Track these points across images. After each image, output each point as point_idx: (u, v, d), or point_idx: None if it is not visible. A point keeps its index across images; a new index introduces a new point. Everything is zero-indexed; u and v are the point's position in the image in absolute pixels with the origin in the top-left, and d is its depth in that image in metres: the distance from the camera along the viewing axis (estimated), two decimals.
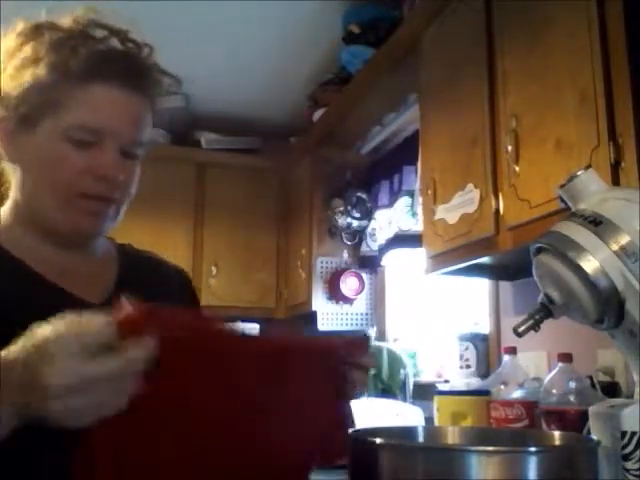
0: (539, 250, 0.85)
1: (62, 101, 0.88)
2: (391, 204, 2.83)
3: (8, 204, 0.97)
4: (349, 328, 3.25)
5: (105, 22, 0.95)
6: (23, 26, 0.94)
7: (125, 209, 0.99)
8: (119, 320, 0.66)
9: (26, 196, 0.94)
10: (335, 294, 3.19)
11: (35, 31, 0.93)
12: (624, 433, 0.78)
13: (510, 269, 2.00)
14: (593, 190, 0.86)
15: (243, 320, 3.33)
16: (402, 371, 2.70)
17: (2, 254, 0.91)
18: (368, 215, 3.09)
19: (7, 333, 0.71)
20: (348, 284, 3.20)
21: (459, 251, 1.83)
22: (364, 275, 3.25)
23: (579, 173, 0.87)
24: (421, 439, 0.85)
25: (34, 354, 0.64)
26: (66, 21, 0.94)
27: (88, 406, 0.63)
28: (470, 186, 1.76)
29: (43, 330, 0.66)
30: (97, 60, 0.90)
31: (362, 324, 3.25)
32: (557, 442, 0.81)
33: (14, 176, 0.95)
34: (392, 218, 2.79)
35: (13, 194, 0.96)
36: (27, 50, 0.90)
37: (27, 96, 0.89)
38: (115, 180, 0.91)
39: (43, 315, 0.80)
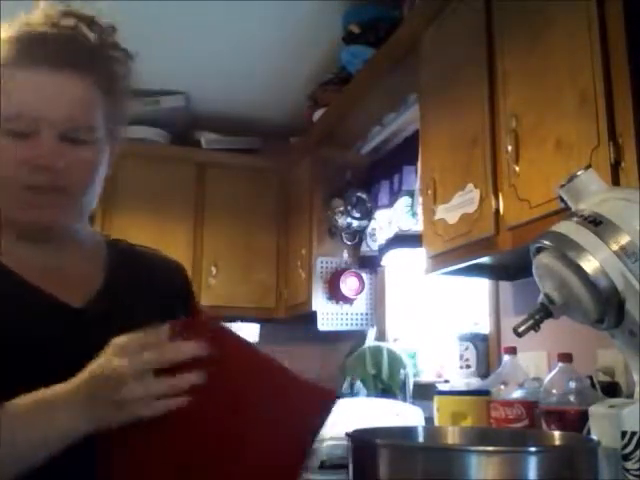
0: (539, 250, 0.85)
1: None
2: (391, 204, 2.83)
3: None
4: (349, 328, 3.25)
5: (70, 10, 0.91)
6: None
7: (89, 197, 0.94)
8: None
9: None
10: (335, 294, 3.19)
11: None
12: (624, 433, 0.78)
13: (510, 269, 2.00)
14: (593, 190, 0.86)
15: (243, 320, 3.34)
16: (402, 371, 2.70)
17: None
18: (368, 215, 3.09)
19: None
20: (348, 284, 3.20)
21: (459, 251, 1.83)
22: (364, 275, 3.25)
23: (579, 173, 0.87)
24: (421, 439, 0.85)
25: (102, 359, 0.72)
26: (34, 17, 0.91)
27: (150, 393, 0.70)
28: (470, 186, 1.76)
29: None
30: (24, 46, 0.86)
31: (362, 324, 3.25)
32: (557, 442, 0.81)
33: None
34: (392, 218, 2.79)
35: None
36: None
37: None
38: (54, 168, 0.86)
39: (22, 318, 0.82)
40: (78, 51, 0.88)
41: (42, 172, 0.86)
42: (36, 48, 0.86)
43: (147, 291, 0.97)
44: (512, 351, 1.74)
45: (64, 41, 0.88)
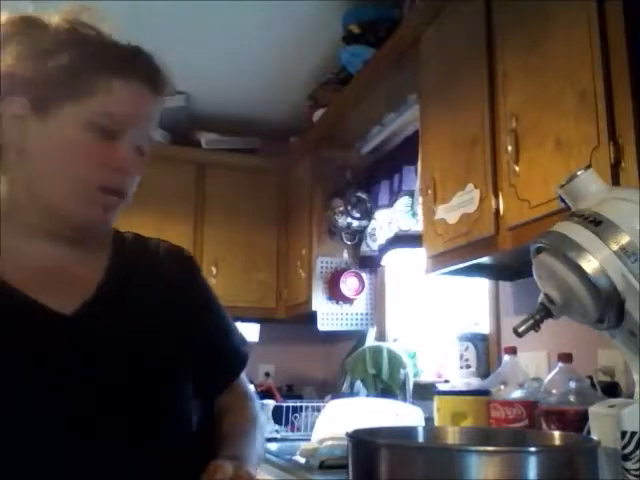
0: (539, 250, 0.85)
1: (84, 90, 0.86)
2: (391, 204, 2.83)
3: None
4: (349, 328, 3.25)
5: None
6: (43, 15, 0.91)
7: None
8: None
9: (28, 186, 0.88)
10: (335, 294, 3.19)
11: (66, 21, 0.91)
12: (624, 433, 0.78)
13: (510, 269, 2.00)
14: (593, 190, 0.86)
15: (243, 320, 3.34)
16: (402, 371, 2.70)
17: None
18: (368, 215, 3.09)
19: None
20: (348, 284, 3.20)
21: (459, 251, 1.83)
22: (364, 275, 3.25)
23: (579, 173, 0.87)
24: (421, 439, 0.85)
25: None
26: (59, 16, 0.91)
27: None
28: (470, 186, 1.76)
29: None
30: (120, 56, 0.90)
31: (362, 324, 3.25)
32: (557, 442, 0.81)
33: (12, 166, 0.89)
34: (392, 218, 2.79)
35: (3, 186, 0.90)
36: (46, 35, 0.88)
37: (45, 82, 0.86)
38: (130, 175, 0.91)
39: (7, 327, 0.80)
40: (157, 71, 0.94)
41: (121, 176, 0.89)
42: (131, 61, 0.91)
43: (148, 287, 0.97)
44: (512, 351, 1.74)
45: (150, 59, 0.94)
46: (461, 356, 2.23)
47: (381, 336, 3.17)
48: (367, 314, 3.27)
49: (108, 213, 0.91)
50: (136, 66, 0.90)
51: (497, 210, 1.65)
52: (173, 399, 0.92)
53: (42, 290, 0.85)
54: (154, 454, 0.86)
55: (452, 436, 0.86)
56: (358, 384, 2.91)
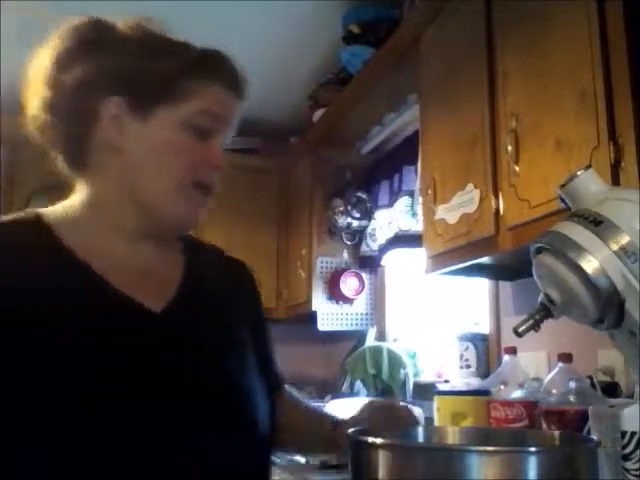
0: (539, 250, 0.85)
1: (181, 91, 0.89)
2: (391, 204, 2.83)
3: (78, 197, 0.94)
4: (349, 328, 3.25)
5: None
6: (134, 19, 0.97)
7: None
8: None
9: (123, 185, 0.90)
10: (335, 294, 3.19)
11: (149, 23, 0.97)
12: (624, 433, 0.78)
13: (510, 269, 2.00)
14: (593, 190, 0.86)
15: None
16: (402, 371, 2.70)
17: (67, 257, 0.86)
18: (368, 215, 3.09)
19: (66, 333, 0.78)
20: (348, 284, 3.20)
21: (459, 251, 1.83)
22: (364, 275, 3.25)
23: (579, 173, 0.87)
24: (421, 439, 0.85)
25: None
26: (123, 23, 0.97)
27: None
28: (470, 186, 1.76)
29: None
30: (210, 60, 0.95)
31: (362, 324, 3.25)
32: (557, 442, 0.81)
33: (107, 166, 0.90)
34: (392, 218, 2.79)
35: (96, 185, 0.92)
36: (144, 39, 0.93)
37: (143, 84, 0.89)
38: (221, 172, 0.95)
39: (100, 321, 0.83)
40: (242, 78, 0.99)
41: (214, 173, 0.93)
42: (223, 65, 0.96)
43: (220, 290, 1.00)
44: (512, 351, 1.74)
45: (233, 63, 0.99)
46: (461, 356, 2.23)
47: (381, 336, 3.17)
48: (367, 314, 3.27)
49: (200, 209, 0.93)
50: (224, 70, 0.95)
51: (497, 210, 1.65)
52: (248, 395, 0.92)
53: (133, 288, 0.87)
54: (233, 447, 0.86)
55: (452, 436, 0.86)
56: (358, 384, 2.91)
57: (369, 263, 3.17)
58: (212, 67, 0.94)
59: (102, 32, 0.93)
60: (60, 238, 0.87)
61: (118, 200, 0.90)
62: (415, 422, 0.91)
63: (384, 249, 2.89)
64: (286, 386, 1.11)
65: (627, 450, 0.77)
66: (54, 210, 0.93)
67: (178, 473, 0.80)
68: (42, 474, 0.75)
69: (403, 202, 2.71)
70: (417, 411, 0.81)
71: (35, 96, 0.94)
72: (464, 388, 2.00)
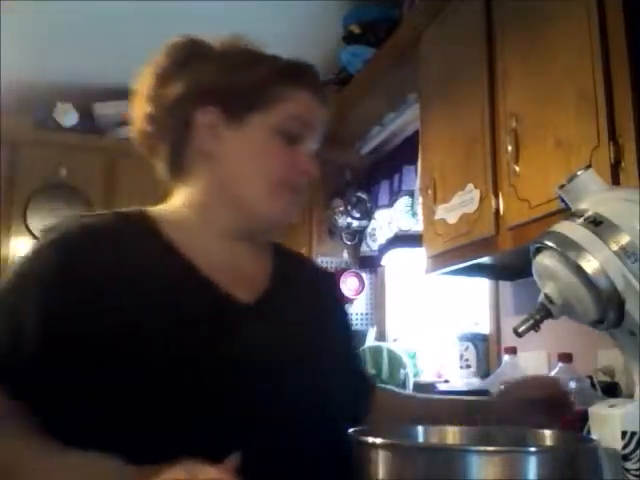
0: (539, 250, 0.85)
1: (272, 99, 0.95)
2: (391, 204, 2.83)
3: (179, 200, 1.00)
4: None
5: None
6: (225, 37, 1.02)
7: None
8: None
9: (221, 189, 0.96)
10: None
11: (238, 40, 1.02)
12: (624, 433, 0.78)
13: (510, 269, 2.00)
14: (593, 190, 0.86)
15: None
16: (402, 371, 2.70)
17: (172, 253, 0.92)
18: (368, 215, 3.09)
19: (175, 322, 0.84)
20: (348, 284, 3.20)
21: (459, 251, 1.83)
22: (364, 275, 3.25)
23: (579, 173, 0.87)
24: (421, 439, 0.85)
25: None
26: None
27: None
28: (470, 186, 1.76)
29: None
30: (297, 69, 1.01)
31: (362, 324, 3.25)
32: (557, 442, 0.81)
33: (204, 171, 0.96)
34: (392, 218, 2.79)
35: (194, 189, 0.97)
36: (236, 53, 1.00)
37: (237, 94, 0.95)
38: (311, 176, 0.99)
39: (197, 311, 0.88)
40: (322, 82, 1.05)
41: (305, 176, 0.98)
42: (310, 73, 1.02)
43: (304, 294, 1.03)
44: (512, 351, 1.74)
45: (317, 72, 1.04)
46: (461, 356, 2.23)
47: (381, 336, 3.16)
48: (367, 314, 3.27)
49: (292, 210, 0.99)
50: (311, 77, 1.01)
51: (497, 210, 1.65)
52: (333, 398, 0.94)
53: (230, 284, 0.92)
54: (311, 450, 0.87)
55: (452, 436, 0.86)
56: None
57: (369, 263, 3.17)
58: (299, 74, 1.00)
59: (197, 49, 0.99)
60: (166, 234, 0.93)
61: (216, 203, 0.96)
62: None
63: (384, 249, 2.89)
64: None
65: (627, 450, 0.77)
66: (156, 210, 0.99)
67: (271, 462, 0.82)
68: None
69: (403, 202, 2.71)
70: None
71: (140, 111, 1.00)
72: (464, 388, 2.00)
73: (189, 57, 0.98)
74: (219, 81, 0.96)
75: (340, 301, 1.18)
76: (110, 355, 0.81)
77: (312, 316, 1.00)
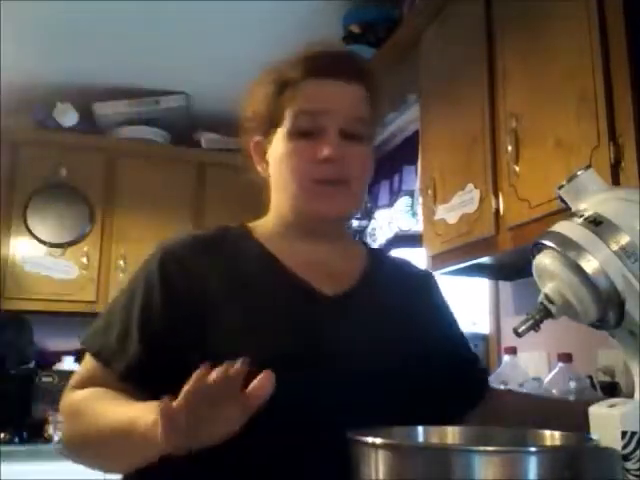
0: (539, 250, 0.85)
1: (284, 106, 1.00)
2: (391, 204, 2.83)
3: (270, 213, 1.09)
4: None
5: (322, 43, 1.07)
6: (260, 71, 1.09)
7: (364, 191, 1.06)
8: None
9: (278, 199, 1.04)
10: None
11: (266, 68, 1.08)
12: (624, 433, 0.78)
13: (510, 269, 2.00)
14: (593, 190, 0.86)
15: None
16: None
17: (261, 250, 1.02)
18: (368, 215, 3.09)
19: (247, 305, 0.92)
20: None
21: (459, 251, 1.83)
22: None
23: (579, 173, 0.87)
24: (421, 439, 0.85)
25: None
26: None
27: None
28: (470, 186, 1.76)
29: None
30: (307, 62, 1.01)
31: None
32: (557, 442, 0.81)
33: (271, 188, 1.06)
34: (392, 218, 2.79)
35: (272, 203, 1.07)
36: (258, 81, 1.08)
37: (261, 115, 1.04)
38: (339, 161, 0.97)
39: (280, 299, 0.96)
40: (351, 64, 1.04)
41: (329, 165, 0.97)
42: (318, 62, 1.02)
43: (398, 295, 1.05)
44: (512, 351, 1.74)
45: (341, 58, 1.05)
46: None
47: None
48: None
49: (330, 202, 0.99)
50: (323, 66, 1.01)
51: (497, 210, 1.65)
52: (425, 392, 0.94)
53: (317, 280, 0.98)
54: None
55: (452, 436, 0.86)
56: None
57: None
58: (309, 69, 1.01)
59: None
60: (257, 240, 1.04)
61: (282, 211, 1.04)
62: None
63: (384, 249, 2.89)
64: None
65: (627, 450, 0.77)
66: (254, 222, 1.10)
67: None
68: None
69: (403, 202, 2.71)
70: None
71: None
72: None
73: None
74: (254, 107, 1.07)
75: (438, 300, 1.17)
76: (204, 351, 0.86)
77: (399, 313, 1.01)
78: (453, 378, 1.02)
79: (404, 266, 1.19)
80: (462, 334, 1.16)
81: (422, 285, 1.15)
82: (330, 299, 0.98)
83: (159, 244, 1.02)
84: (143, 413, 0.80)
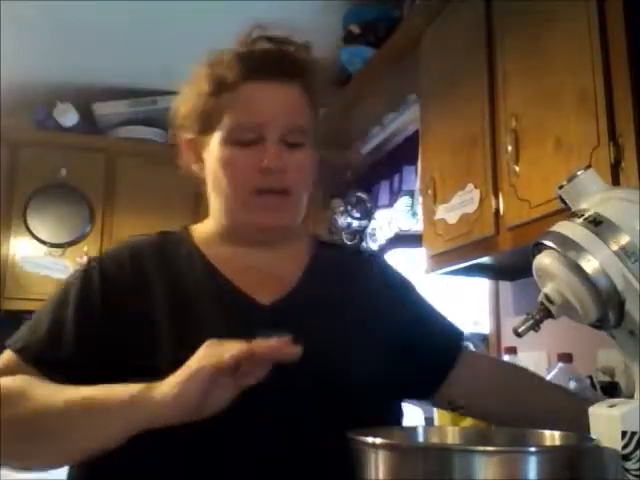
0: (539, 250, 0.85)
1: (221, 109, 0.97)
2: (391, 204, 2.83)
3: (210, 214, 1.07)
4: None
5: (265, 35, 1.05)
6: (200, 60, 1.05)
7: (305, 199, 1.03)
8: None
9: (215, 204, 1.02)
10: None
11: (204, 61, 1.04)
12: (624, 433, 0.78)
13: (510, 269, 2.00)
14: (593, 190, 0.86)
15: None
16: None
17: (199, 257, 1.01)
18: (368, 215, 3.09)
19: (183, 316, 0.89)
20: None
21: (459, 251, 1.83)
22: None
23: (579, 173, 0.87)
24: (421, 439, 0.85)
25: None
26: (233, 45, 1.04)
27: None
28: (470, 186, 1.76)
29: None
30: (244, 62, 0.97)
31: None
32: (557, 442, 0.81)
33: (208, 190, 1.04)
34: (392, 218, 2.79)
35: (210, 206, 1.06)
36: (195, 76, 1.02)
37: (196, 114, 1.00)
38: (281, 171, 0.95)
39: (215, 310, 0.93)
40: (288, 63, 1.00)
41: (271, 175, 0.95)
42: (255, 63, 0.98)
43: (339, 289, 1.02)
44: (512, 351, 1.74)
45: (278, 56, 1.00)
46: None
47: None
48: None
49: (272, 213, 0.98)
50: (261, 67, 0.97)
51: (497, 210, 1.65)
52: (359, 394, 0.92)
53: (250, 286, 0.96)
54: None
55: (452, 436, 0.86)
56: None
57: None
58: (247, 70, 0.97)
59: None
60: (195, 245, 1.03)
61: (218, 215, 1.03)
62: None
63: (384, 249, 2.89)
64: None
65: (627, 450, 0.77)
66: (195, 226, 1.09)
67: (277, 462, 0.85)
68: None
69: (403, 202, 2.71)
70: None
71: None
72: None
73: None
74: (187, 109, 1.03)
75: (384, 281, 1.08)
76: (129, 352, 0.87)
77: (337, 309, 0.98)
78: (412, 357, 0.98)
79: (348, 255, 1.14)
80: (426, 308, 1.10)
81: (363, 270, 1.08)
82: (266, 308, 0.95)
83: (94, 257, 1.02)
84: (115, 388, 0.80)
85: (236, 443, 0.86)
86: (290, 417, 0.87)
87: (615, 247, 0.78)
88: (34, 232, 3.34)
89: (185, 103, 1.02)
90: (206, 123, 0.99)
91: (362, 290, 1.04)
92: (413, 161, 2.56)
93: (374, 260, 1.15)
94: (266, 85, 0.97)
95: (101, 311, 0.93)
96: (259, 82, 0.96)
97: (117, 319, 0.91)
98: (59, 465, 0.88)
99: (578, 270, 0.79)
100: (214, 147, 0.99)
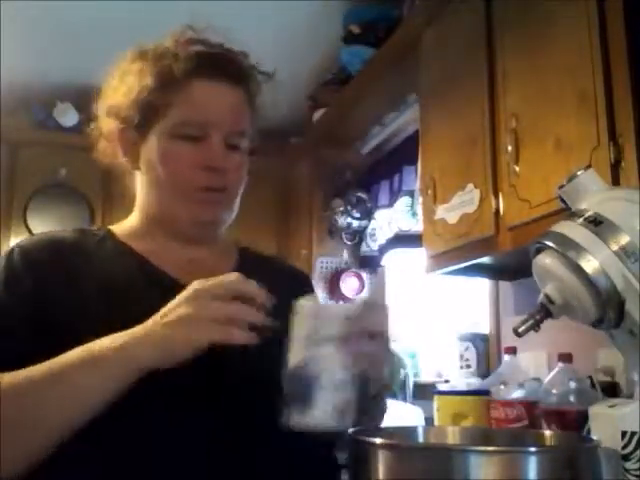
0: (539, 250, 0.85)
1: (168, 103, 0.96)
2: (391, 204, 2.83)
3: (134, 211, 1.06)
4: None
5: (202, 38, 1.05)
6: (132, 51, 1.05)
7: (238, 199, 1.05)
8: None
9: (149, 197, 1.01)
10: (335, 294, 3.19)
11: (142, 53, 1.03)
12: (624, 433, 0.78)
13: (510, 269, 2.00)
14: (593, 190, 0.86)
15: None
16: (402, 371, 2.70)
17: (127, 250, 1.00)
18: (368, 215, 3.09)
19: (119, 312, 0.87)
20: (348, 284, 3.20)
21: (459, 251, 1.83)
22: (364, 275, 3.25)
23: (579, 173, 0.87)
24: (421, 439, 0.85)
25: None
26: (167, 40, 1.04)
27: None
28: (470, 186, 1.76)
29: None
30: (195, 60, 0.98)
31: None
32: (557, 442, 0.81)
33: (137, 183, 1.04)
34: (392, 218, 2.79)
35: (138, 200, 1.04)
36: (135, 67, 1.01)
37: (138, 106, 0.98)
38: (224, 170, 0.97)
39: (153, 301, 0.88)
40: (237, 67, 1.03)
41: (213, 173, 0.96)
42: (205, 61, 0.98)
43: (274, 294, 1.00)
44: (512, 351, 1.74)
45: (227, 57, 1.02)
46: (461, 356, 2.23)
47: None
48: None
49: (212, 209, 0.99)
50: (211, 66, 0.98)
51: (497, 210, 1.65)
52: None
53: (185, 276, 0.94)
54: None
55: (452, 436, 0.86)
56: None
57: (369, 263, 3.17)
58: (197, 68, 0.97)
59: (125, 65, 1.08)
60: (120, 240, 1.01)
61: (151, 210, 1.02)
62: None
63: (384, 249, 2.89)
64: None
65: (627, 450, 0.77)
66: (119, 223, 1.07)
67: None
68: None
69: (403, 202, 2.71)
70: None
71: None
72: (464, 388, 2.00)
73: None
74: (120, 98, 1.03)
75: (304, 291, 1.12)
76: (62, 342, 0.83)
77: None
78: None
79: (275, 263, 1.18)
80: None
81: (297, 285, 1.09)
82: None
83: (15, 245, 0.98)
84: (99, 342, 0.79)
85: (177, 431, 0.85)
86: (228, 407, 0.87)
87: (615, 247, 0.78)
88: (34, 232, 3.34)
89: (122, 94, 1.02)
90: (147, 115, 0.98)
91: (280, 290, 1.05)
92: (413, 161, 2.56)
93: (304, 278, 1.18)
94: (216, 85, 0.98)
95: (30, 289, 0.90)
96: (209, 81, 0.98)
97: (45, 296, 0.90)
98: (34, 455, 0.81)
99: (578, 270, 0.79)
100: (155, 141, 0.98)
